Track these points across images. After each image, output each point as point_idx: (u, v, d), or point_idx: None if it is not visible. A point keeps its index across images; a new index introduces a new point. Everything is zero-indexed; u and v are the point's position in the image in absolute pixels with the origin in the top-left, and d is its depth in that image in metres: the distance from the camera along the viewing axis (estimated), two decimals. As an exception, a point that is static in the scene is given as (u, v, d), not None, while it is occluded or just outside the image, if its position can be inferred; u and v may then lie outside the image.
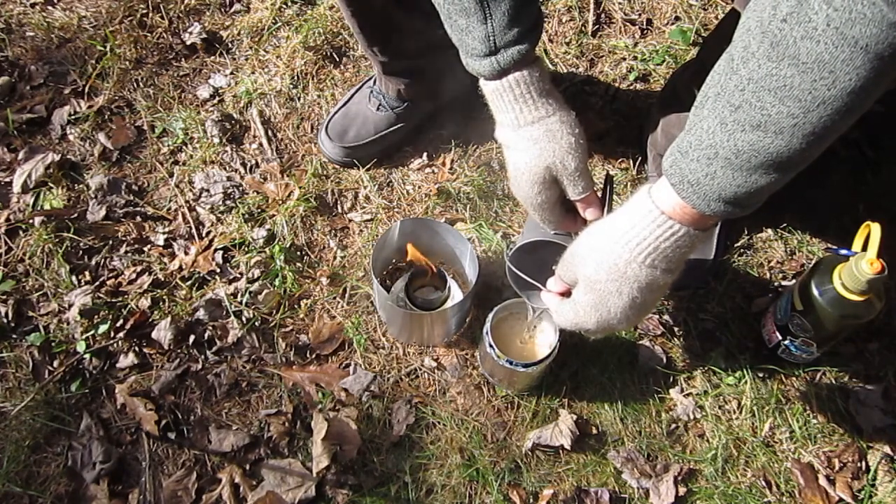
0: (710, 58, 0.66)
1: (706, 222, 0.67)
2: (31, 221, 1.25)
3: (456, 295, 1.17)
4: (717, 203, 0.64)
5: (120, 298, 1.18)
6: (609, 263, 0.70)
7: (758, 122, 0.59)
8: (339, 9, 1.49)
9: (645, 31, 1.48)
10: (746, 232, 1.26)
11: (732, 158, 0.61)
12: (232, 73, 1.43)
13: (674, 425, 1.11)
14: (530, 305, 0.98)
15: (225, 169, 1.32)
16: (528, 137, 0.79)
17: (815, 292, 0.99)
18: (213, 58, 1.46)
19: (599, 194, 0.86)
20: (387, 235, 1.10)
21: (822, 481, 1.07)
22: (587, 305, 0.74)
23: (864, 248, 0.93)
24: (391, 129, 1.29)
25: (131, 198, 1.29)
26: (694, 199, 0.64)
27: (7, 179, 1.30)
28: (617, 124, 1.37)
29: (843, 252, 0.97)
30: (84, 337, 1.14)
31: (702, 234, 0.68)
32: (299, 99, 1.40)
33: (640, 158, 1.32)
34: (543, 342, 1.06)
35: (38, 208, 1.27)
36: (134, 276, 1.21)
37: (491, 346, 1.01)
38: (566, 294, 0.82)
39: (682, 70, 1.25)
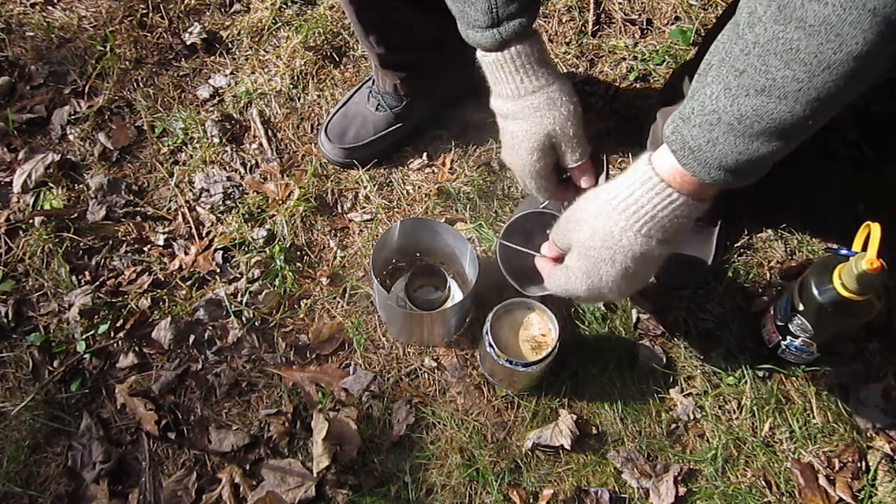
0: None
1: (705, 192, 0.67)
2: (31, 221, 1.25)
3: (456, 295, 1.17)
4: (718, 171, 0.63)
5: (120, 298, 1.18)
6: (604, 231, 0.70)
7: (762, 87, 0.58)
8: (339, 8, 1.49)
9: (645, 31, 1.48)
10: (746, 232, 1.26)
11: (735, 124, 0.60)
12: (232, 73, 1.43)
13: (674, 425, 1.11)
14: (527, 294, 0.98)
15: (225, 169, 1.32)
16: (529, 106, 0.80)
17: (815, 292, 0.99)
18: (213, 58, 1.46)
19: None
20: (387, 235, 1.10)
21: (822, 481, 1.07)
22: (579, 272, 0.74)
23: (864, 248, 0.93)
24: (390, 129, 1.29)
25: (131, 198, 1.29)
26: (694, 166, 0.64)
27: (7, 179, 1.30)
28: (617, 124, 1.37)
29: (843, 252, 0.97)
30: (84, 337, 1.14)
31: (700, 206, 0.67)
32: (299, 99, 1.40)
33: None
34: (543, 341, 1.06)
35: (38, 208, 1.27)
36: (134, 276, 1.21)
37: (491, 345, 1.01)
38: (559, 260, 0.82)
39: (682, 69, 1.25)
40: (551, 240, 0.81)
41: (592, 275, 0.73)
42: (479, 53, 0.82)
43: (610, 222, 0.70)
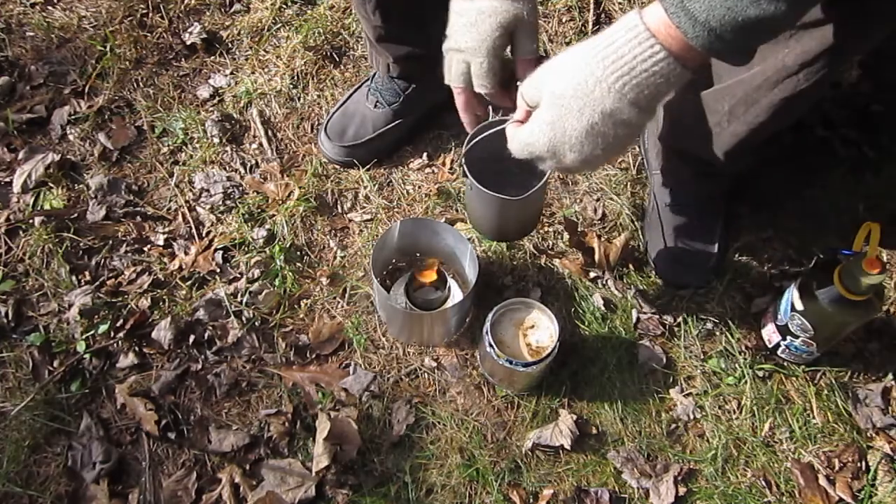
0: None
1: (689, 55, 0.64)
2: (31, 221, 1.25)
3: (456, 295, 1.17)
4: (703, 29, 0.61)
5: (120, 298, 1.18)
6: (579, 79, 0.68)
7: None
8: (339, 8, 1.49)
9: (645, 31, 1.48)
10: (746, 232, 1.26)
11: None
12: (232, 73, 1.43)
13: (674, 425, 1.11)
14: (489, 193, 0.91)
15: (225, 169, 1.32)
16: None
17: (815, 292, 0.99)
18: (213, 58, 1.46)
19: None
20: (387, 235, 1.11)
21: (822, 481, 1.07)
22: (544, 123, 0.71)
23: (864, 248, 0.93)
24: (389, 126, 1.29)
25: (131, 198, 1.29)
26: (681, 16, 0.62)
27: (7, 179, 1.30)
28: (617, 124, 1.37)
29: (843, 252, 0.97)
30: (84, 337, 1.14)
31: (680, 73, 0.65)
32: (299, 99, 1.40)
33: (640, 159, 1.33)
34: (542, 341, 1.06)
35: (38, 208, 1.27)
36: (134, 276, 1.21)
37: (491, 345, 1.01)
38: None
39: None
40: (520, 95, 0.77)
41: (557, 126, 0.70)
42: None
43: (586, 71, 0.67)
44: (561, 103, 0.69)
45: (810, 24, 0.82)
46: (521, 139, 0.74)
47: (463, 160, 0.90)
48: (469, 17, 0.81)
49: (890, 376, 1.14)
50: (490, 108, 0.89)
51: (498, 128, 0.83)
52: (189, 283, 1.20)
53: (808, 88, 0.88)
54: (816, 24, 0.81)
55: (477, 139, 0.89)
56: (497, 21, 0.80)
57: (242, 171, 1.32)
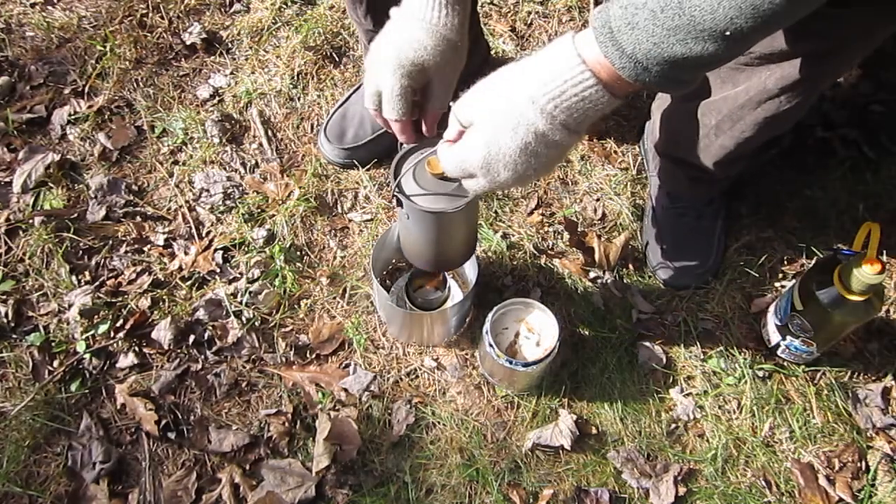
0: None
1: (617, 84, 0.65)
2: (31, 221, 1.25)
3: (456, 295, 1.17)
4: (630, 61, 0.62)
5: (120, 298, 1.18)
6: (513, 98, 0.68)
7: None
8: (339, 8, 1.49)
9: (645, 31, 1.48)
10: (746, 232, 1.26)
11: (657, 12, 0.60)
12: (232, 73, 1.43)
13: (674, 425, 1.11)
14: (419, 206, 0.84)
15: (225, 169, 1.32)
16: (443, 36, 0.78)
17: (815, 292, 0.99)
18: (213, 58, 1.46)
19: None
20: (387, 235, 1.11)
21: (822, 481, 1.07)
22: (479, 140, 0.71)
23: (864, 248, 0.94)
24: None
25: (131, 198, 1.29)
26: (609, 47, 0.62)
27: (7, 179, 1.30)
28: (617, 124, 1.37)
29: (844, 252, 0.97)
30: (84, 337, 1.14)
31: (609, 101, 0.66)
32: (299, 99, 1.40)
33: (640, 159, 1.33)
34: (542, 341, 1.06)
35: (38, 208, 1.27)
36: (134, 276, 1.21)
37: (491, 345, 1.01)
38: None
39: None
40: (453, 114, 0.76)
41: (492, 144, 0.70)
42: None
43: (519, 90, 0.68)
44: (495, 121, 0.69)
45: (788, 55, 0.83)
46: (456, 156, 0.73)
47: (392, 182, 0.85)
48: (396, 44, 0.79)
49: (890, 376, 1.14)
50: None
51: (428, 150, 0.81)
52: (189, 283, 1.20)
53: (790, 109, 0.90)
54: (793, 55, 0.83)
55: (407, 161, 0.85)
56: (420, 56, 0.79)
57: (242, 171, 1.32)
